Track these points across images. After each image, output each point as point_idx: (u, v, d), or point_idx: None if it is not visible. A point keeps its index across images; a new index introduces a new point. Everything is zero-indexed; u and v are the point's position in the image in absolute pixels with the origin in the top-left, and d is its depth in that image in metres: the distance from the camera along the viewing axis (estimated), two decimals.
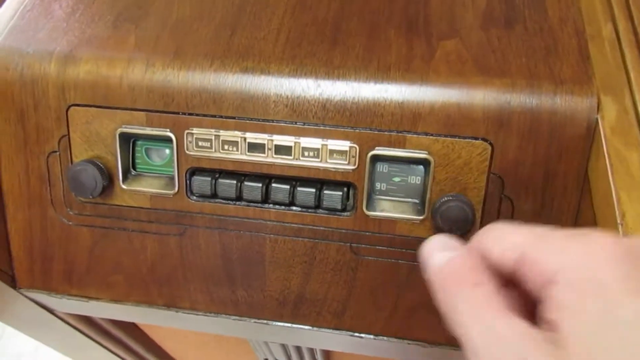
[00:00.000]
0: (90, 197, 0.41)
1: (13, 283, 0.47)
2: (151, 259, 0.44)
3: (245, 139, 0.39)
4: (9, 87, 0.42)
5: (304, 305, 0.43)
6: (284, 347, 0.60)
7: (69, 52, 0.41)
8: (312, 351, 0.60)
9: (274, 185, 0.40)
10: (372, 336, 0.43)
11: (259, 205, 0.41)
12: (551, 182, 0.37)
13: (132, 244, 0.44)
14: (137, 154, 0.43)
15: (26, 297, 0.48)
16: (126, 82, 0.40)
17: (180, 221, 0.43)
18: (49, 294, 0.47)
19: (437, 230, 0.38)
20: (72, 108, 0.41)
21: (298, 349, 0.59)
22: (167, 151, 0.43)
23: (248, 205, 0.41)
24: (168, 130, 0.40)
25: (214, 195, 0.41)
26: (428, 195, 0.38)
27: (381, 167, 0.40)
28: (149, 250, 0.44)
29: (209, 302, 0.45)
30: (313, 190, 0.39)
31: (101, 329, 0.58)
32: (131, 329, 0.61)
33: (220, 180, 0.40)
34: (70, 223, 0.44)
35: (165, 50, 0.40)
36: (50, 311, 0.51)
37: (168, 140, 0.41)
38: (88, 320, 0.56)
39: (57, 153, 0.43)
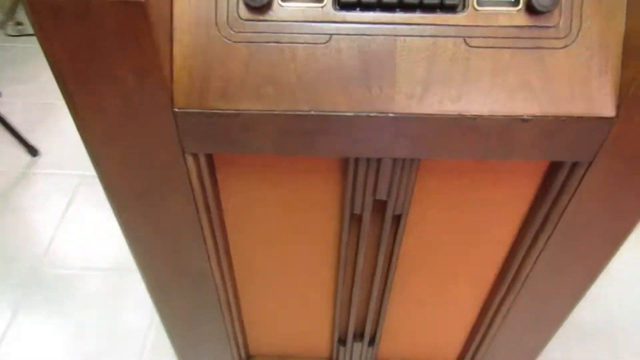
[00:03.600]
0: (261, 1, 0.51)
1: (171, 103, 0.54)
2: (299, 67, 0.54)
3: None
4: None
5: (427, 95, 0.54)
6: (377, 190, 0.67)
7: None
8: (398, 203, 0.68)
9: None
10: (485, 114, 0.54)
11: (390, 12, 0.53)
12: None
13: (284, 54, 0.54)
14: None
15: (176, 118, 0.55)
16: None
17: (326, 31, 0.53)
18: (204, 110, 0.54)
19: (532, 12, 0.52)
20: None
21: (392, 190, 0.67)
22: None
23: (382, 12, 0.53)
24: None
25: (357, 4, 0.53)
26: None
27: None
28: (298, 59, 0.54)
29: (348, 101, 0.54)
30: None
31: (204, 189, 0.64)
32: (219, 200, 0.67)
33: None
34: (230, 41, 0.53)
35: None
36: (181, 147, 0.58)
37: None
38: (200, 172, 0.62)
39: None
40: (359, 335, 0.93)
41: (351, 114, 0.54)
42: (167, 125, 0.55)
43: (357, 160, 0.61)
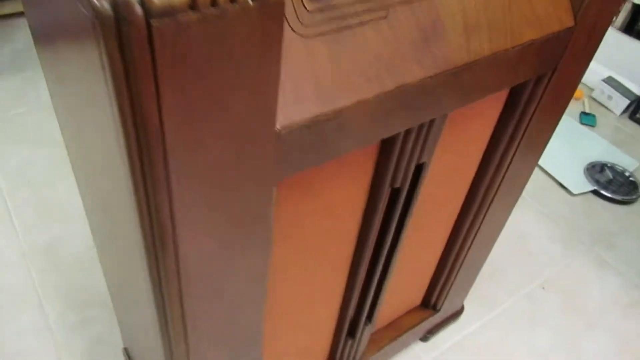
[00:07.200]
0: None
1: (274, 124, 0.45)
2: (373, 46, 0.51)
3: None
4: None
5: (470, 43, 0.58)
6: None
7: None
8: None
9: None
10: (518, 43, 0.61)
11: None
12: None
13: (356, 38, 0.50)
14: None
15: (279, 139, 0.46)
16: None
17: (383, 6, 0.52)
18: (304, 122, 0.47)
19: None
20: None
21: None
22: None
23: None
24: None
25: None
26: None
27: None
28: (369, 39, 0.51)
29: (420, 68, 0.54)
30: None
31: None
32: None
33: None
34: (307, 37, 0.47)
35: None
36: (276, 173, 0.49)
37: None
38: None
39: None
40: (368, 317, 0.92)
41: (427, 78, 0.55)
42: (267, 149, 0.46)
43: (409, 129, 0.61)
